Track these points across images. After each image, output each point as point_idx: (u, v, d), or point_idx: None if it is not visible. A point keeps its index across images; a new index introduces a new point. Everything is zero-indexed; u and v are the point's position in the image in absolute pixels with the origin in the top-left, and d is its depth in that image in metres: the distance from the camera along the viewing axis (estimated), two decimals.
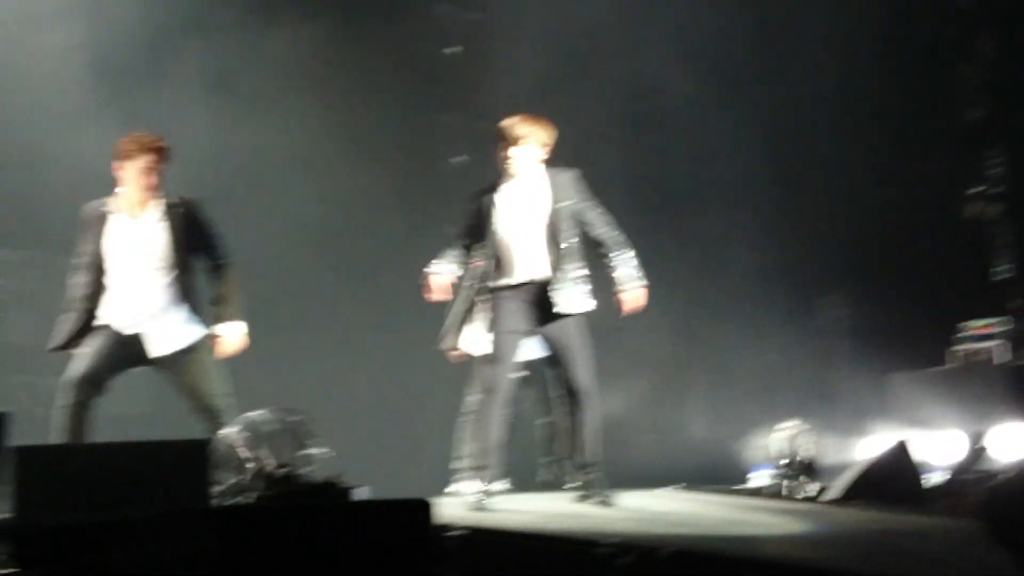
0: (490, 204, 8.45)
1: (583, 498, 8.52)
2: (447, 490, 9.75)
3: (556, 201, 8.45)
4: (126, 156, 8.11)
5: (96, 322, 8.14)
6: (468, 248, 8.63)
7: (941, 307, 14.49)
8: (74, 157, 12.19)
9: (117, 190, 8.24)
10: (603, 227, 8.56)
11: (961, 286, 14.86)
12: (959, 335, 14.18)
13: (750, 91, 15.62)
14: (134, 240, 8.12)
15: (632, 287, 8.55)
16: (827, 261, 15.47)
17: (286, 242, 13.74)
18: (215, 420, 8.08)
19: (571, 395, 8.50)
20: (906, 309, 14.89)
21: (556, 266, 8.40)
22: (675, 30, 15.33)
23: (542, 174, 8.55)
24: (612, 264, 8.55)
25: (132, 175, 8.09)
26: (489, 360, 8.50)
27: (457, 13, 15.94)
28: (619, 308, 8.58)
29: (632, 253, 8.63)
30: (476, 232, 8.52)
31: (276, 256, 13.40)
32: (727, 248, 15.19)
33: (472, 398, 9.57)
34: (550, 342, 8.49)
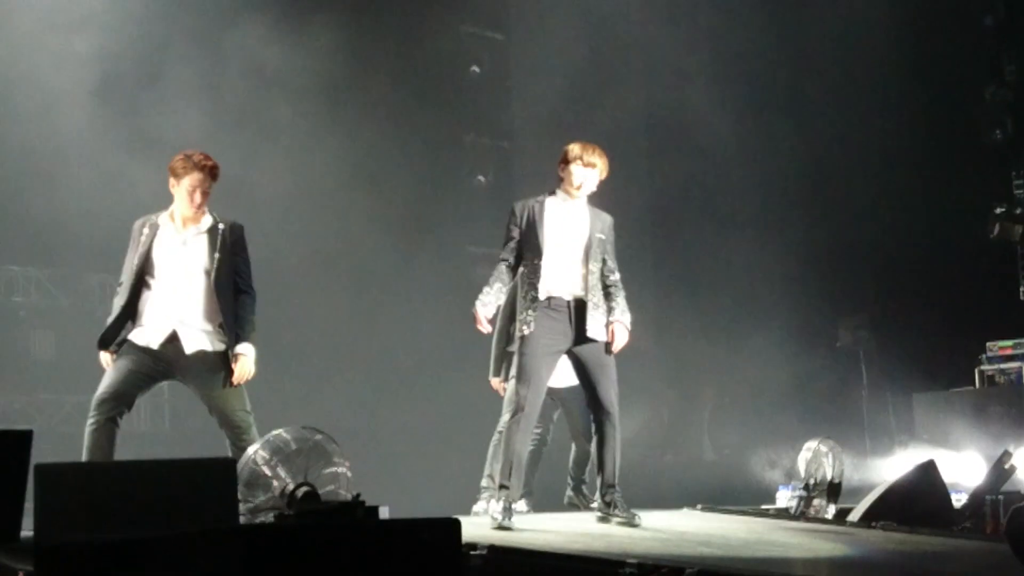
0: (539, 217, 8.54)
1: (607, 517, 8.51)
2: (474, 508, 9.75)
3: (594, 230, 8.57)
4: (177, 173, 8.28)
5: (133, 331, 8.25)
6: (514, 268, 8.67)
7: (967, 327, 14.45)
8: (94, 177, 12.26)
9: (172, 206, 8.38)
10: (614, 271, 8.67)
11: (988, 306, 14.82)
12: (985, 355, 14.15)
13: (774, 114, 15.63)
14: (179, 253, 8.31)
15: (624, 325, 8.61)
16: (852, 281, 15.44)
17: (310, 264, 13.79)
18: (242, 435, 8.15)
19: (598, 413, 8.52)
20: (932, 329, 14.84)
21: (589, 289, 8.49)
22: (700, 52, 15.35)
23: (586, 204, 8.69)
24: (614, 303, 8.62)
25: (182, 192, 8.27)
26: (518, 379, 8.51)
27: (480, 33, 15.96)
28: (611, 340, 8.63)
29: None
30: (521, 246, 8.57)
31: (300, 278, 13.45)
32: (751, 269, 15.17)
33: (504, 418, 9.57)
34: (581, 360, 8.52)
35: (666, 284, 15.29)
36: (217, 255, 8.32)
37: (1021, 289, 14.87)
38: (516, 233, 8.64)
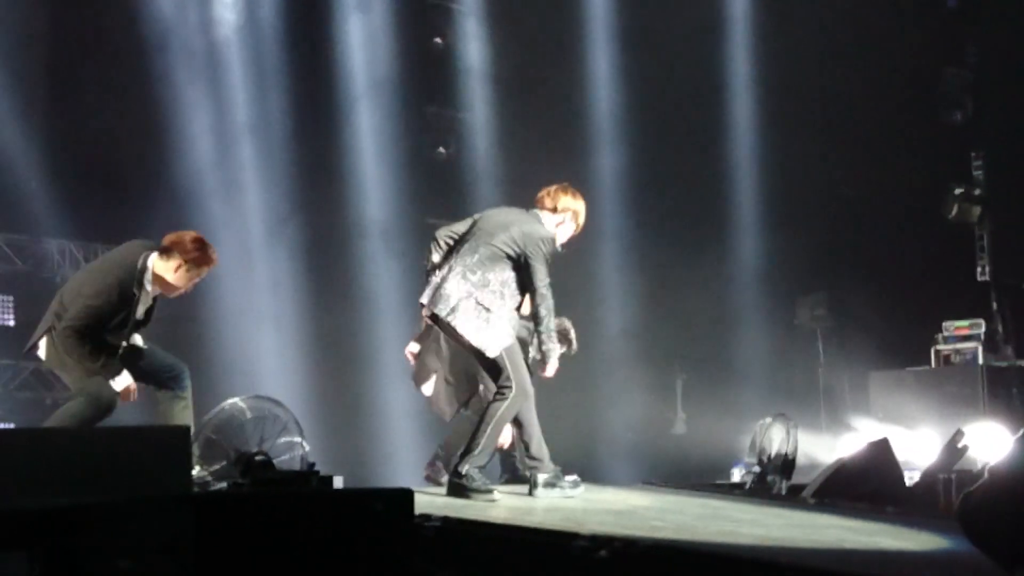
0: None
1: (544, 487, 8.48)
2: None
3: None
4: (196, 262, 8.09)
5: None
6: None
7: (924, 307, 14.53)
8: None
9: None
10: None
11: (945, 286, 14.90)
12: (941, 335, 14.23)
13: (730, 96, 15.67)
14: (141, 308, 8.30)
15: None
16: (811, 260, 15.48)
17: (265, 234, 13.78)
18: (182, 378, 8.10)
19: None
20: (889, 308, 14.91)
21: None
22: (650, 24, 15.36)
23: None
24: None
25: (185, 279, 8.09)
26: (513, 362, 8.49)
27: (443, 4, 15.86)
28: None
29: None
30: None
31: (256, 249, 13.45)
32: (711, 247, 15.19)
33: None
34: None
35: (631, 263, 15.30)
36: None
37: (978, 270, 14.96)
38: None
